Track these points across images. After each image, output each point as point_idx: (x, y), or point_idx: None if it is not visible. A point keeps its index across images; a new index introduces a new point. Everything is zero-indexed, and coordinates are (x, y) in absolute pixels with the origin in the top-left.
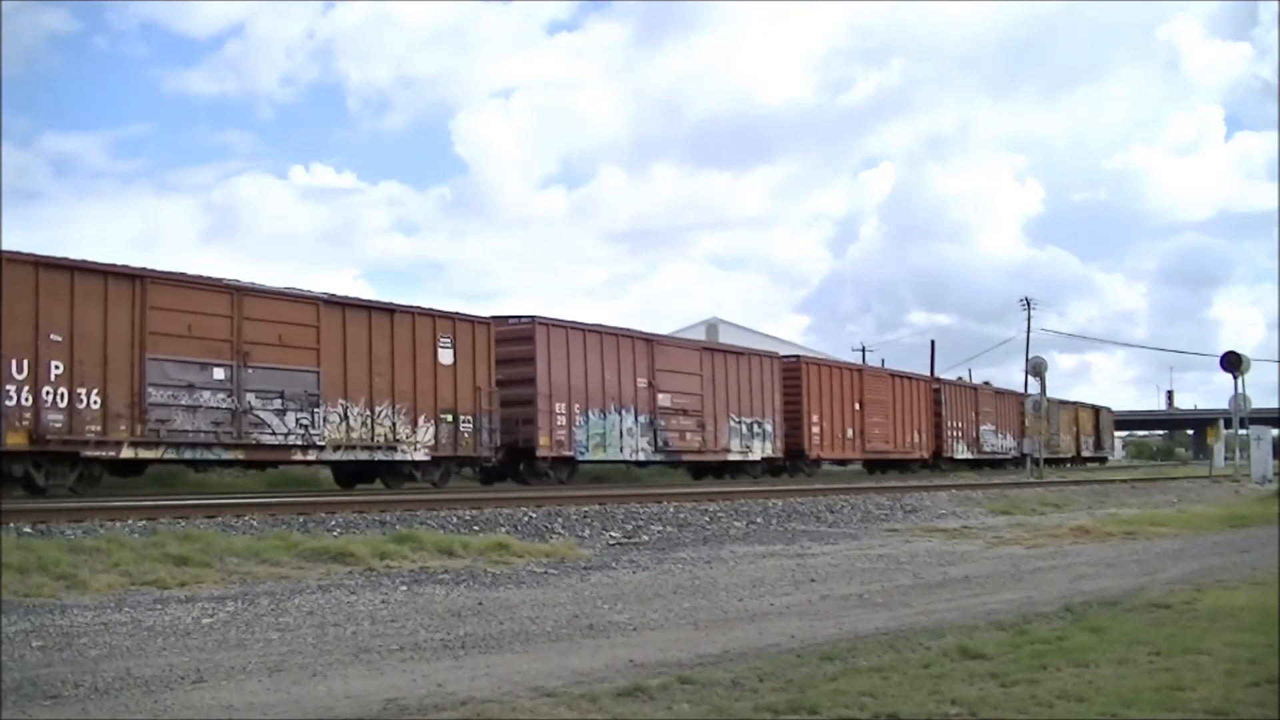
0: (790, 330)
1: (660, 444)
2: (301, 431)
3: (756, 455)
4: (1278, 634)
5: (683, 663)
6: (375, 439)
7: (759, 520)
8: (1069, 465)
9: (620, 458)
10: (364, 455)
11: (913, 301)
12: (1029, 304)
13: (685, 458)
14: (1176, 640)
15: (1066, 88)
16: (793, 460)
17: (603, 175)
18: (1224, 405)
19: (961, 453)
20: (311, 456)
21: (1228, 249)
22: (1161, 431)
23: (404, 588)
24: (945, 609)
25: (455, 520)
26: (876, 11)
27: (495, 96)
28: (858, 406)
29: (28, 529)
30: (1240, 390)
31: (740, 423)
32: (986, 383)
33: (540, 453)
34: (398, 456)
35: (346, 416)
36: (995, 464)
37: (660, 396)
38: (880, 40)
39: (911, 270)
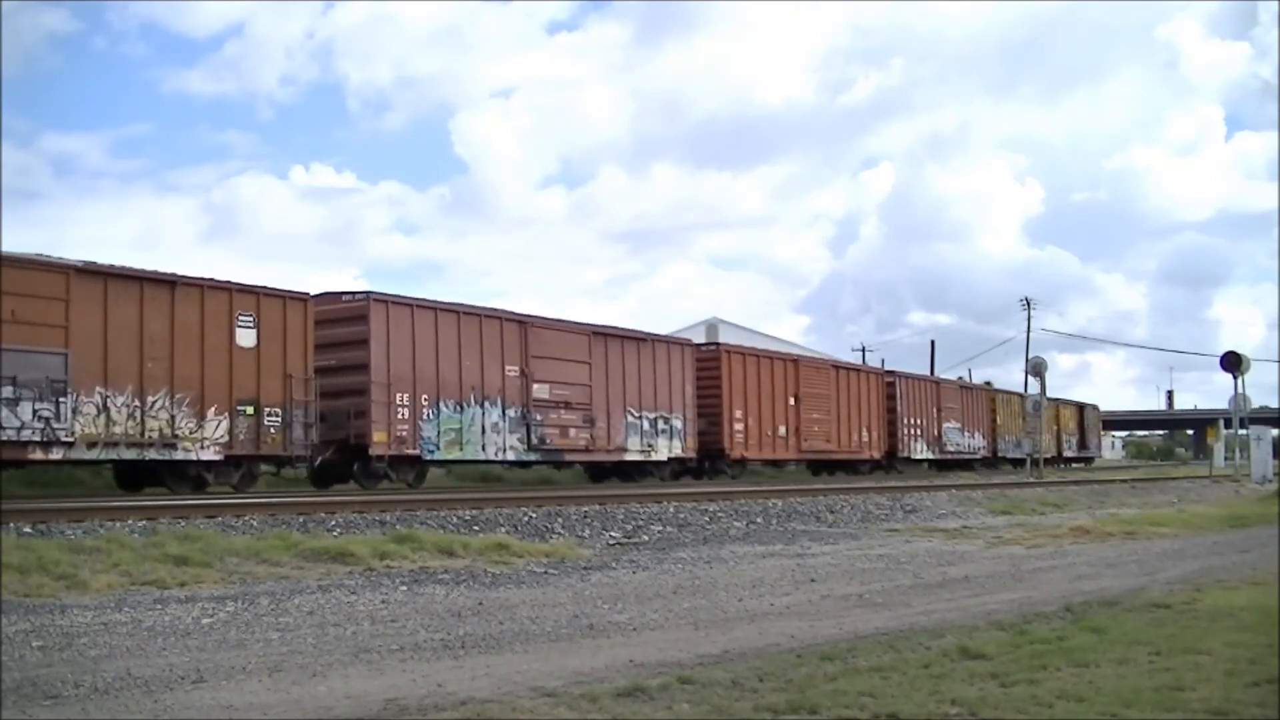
0: (790, 330)
1: (536, 441)
2: (41, 425)
3: (662, 455)
4: (1278, 634)
5: (683, 663)
6: (146, 435)
7: (759, 520)
8: (1059, 466)
9: (482, 457)
10: (131, 454)
11: (912, 301)
12: (1029, 304)
13: (569, 457)
14: (1176, 640)
15: (1066, 88)
16: (712, 461)
17: (603, 175)
18: (1224, 405)
19: (921, 452)
20: (56, 455)
21: (1228, 249)
22: (1161, 431)
23: (404, 588)
24: (945, 609)
25: (455, 520)
26: (876, 11)
27: (495, 96)
28: (793, 401)
29: (28, 529)
30: (1240, 390)
31: (641, 418)
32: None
33: (375, 450)
34: (179, 455)
35: (106, 408)
36: (962, 464)
37: (536, 387)
38: (880, 40)
39: (911, 270)
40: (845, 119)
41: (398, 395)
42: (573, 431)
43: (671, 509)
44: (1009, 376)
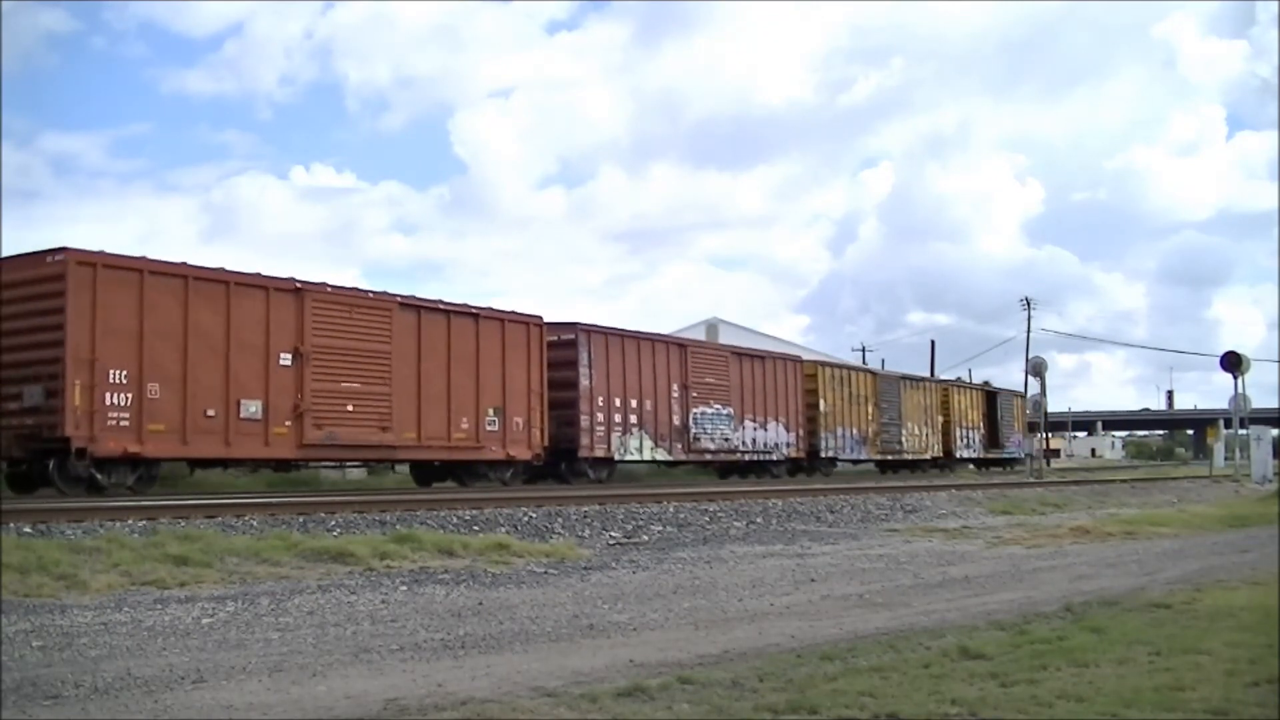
0: (790, 330)
1: None
2: None
3: None
4: (1278, 634)
5: (683, 663)
6: None
7: (759, 520)
8: (928, 470)
9: None
10: None
11: (912, 301)
12: (1029, 304)
13: None
14: (1176, 640)
15: (1067, 88)
16: (59, 460)
17: (602, 175)
18: (1224, 405)
19: (640, 451)
20: None
21: (1228, 249)
22: (1161, 431)
23: (404, 588)
24: (945, 609)
25: (455, 520)
26: (876, 11)
27: (494, 96)
28: (287, 359)
29: (28, 529)
30: (1240, 390)
31: None
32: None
33: None
34: None
35: None
36: (753, 468)
37: None
38: (880, 40)
39: (910, 270)
40: (845, 119)
41: None
42: None
43: (671, 509)
44: (1009, 376)
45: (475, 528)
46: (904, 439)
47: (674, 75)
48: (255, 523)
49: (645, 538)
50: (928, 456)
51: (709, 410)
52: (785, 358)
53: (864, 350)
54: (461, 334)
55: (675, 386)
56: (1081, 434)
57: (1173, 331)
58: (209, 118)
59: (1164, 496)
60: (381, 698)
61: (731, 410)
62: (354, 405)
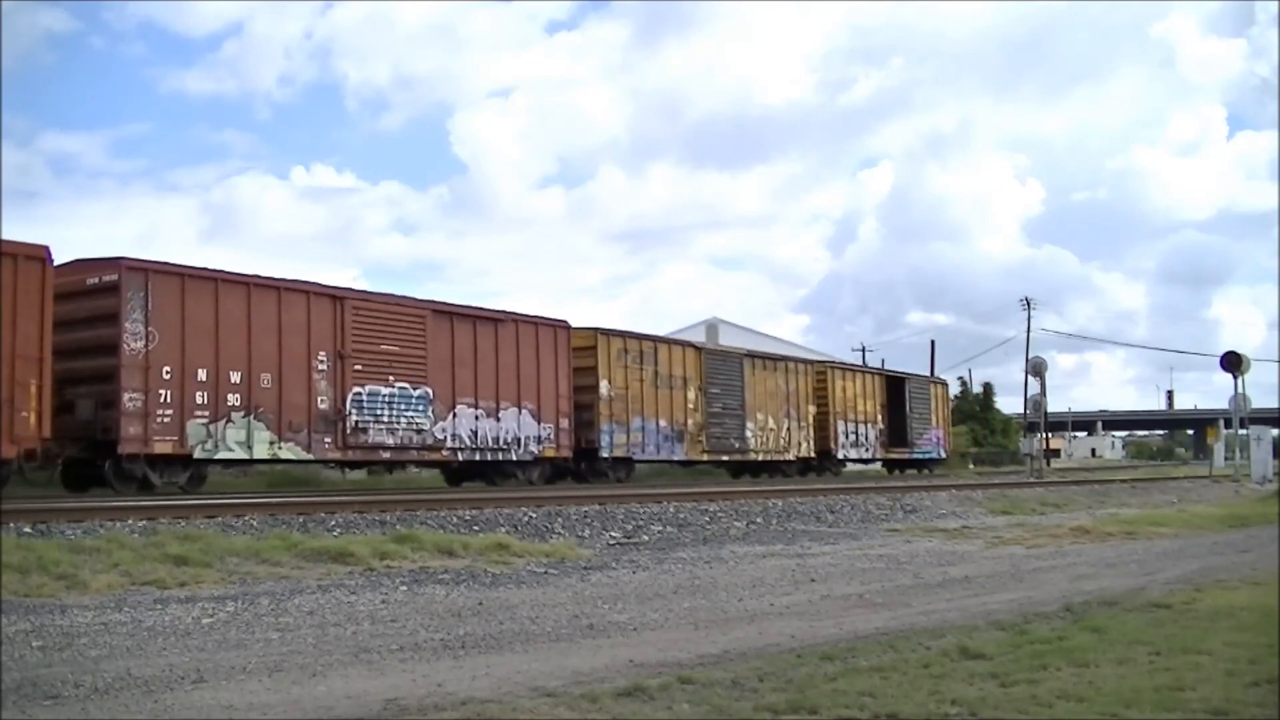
0: (790, 330)
1: None
2: None
3: None
4: (1278, 634)
5: (683, 663)
6: None
7: (759, 520)
8: (794, 474)
9: None
10: None
11: (911, 301)
12: (1029, 304)
13: None
14: (1176, 640)
15: (1067, 88)
16: None
17: (601, 175)
18: (1224, 405)
19: (267, 447)
20: None
21: (1228, 249)
22: (1161, 431)
23: (404, 588)
24: (945, 609)
25: (455, 520)
26: (876, 11)
27: (494, 96)
28: None
29: (28, 529)
30: (1240, 390)
31: None
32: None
33: None
34: None
35: None
36: (482, 470)
37: None
38: (880, 40)
39: (910, 270)
40: (845, 119)
41: None
42: None
43: (671, 509)
44: (1009, 377)
45: (475, 528)
46: (749, 434)
47: (674, 75)
48: (255, 523)
49: (645, 538)
50: (790, 457)
51: (384, 390)
52: (540, 321)
53: (864, 350)
54: None
55: (322, 355)
56: (1081, 434)
57: (1173, 331)
58: (208, 118)
59: (1164, 496)
60: (381, 698)
61: (429, 390)
62: None
